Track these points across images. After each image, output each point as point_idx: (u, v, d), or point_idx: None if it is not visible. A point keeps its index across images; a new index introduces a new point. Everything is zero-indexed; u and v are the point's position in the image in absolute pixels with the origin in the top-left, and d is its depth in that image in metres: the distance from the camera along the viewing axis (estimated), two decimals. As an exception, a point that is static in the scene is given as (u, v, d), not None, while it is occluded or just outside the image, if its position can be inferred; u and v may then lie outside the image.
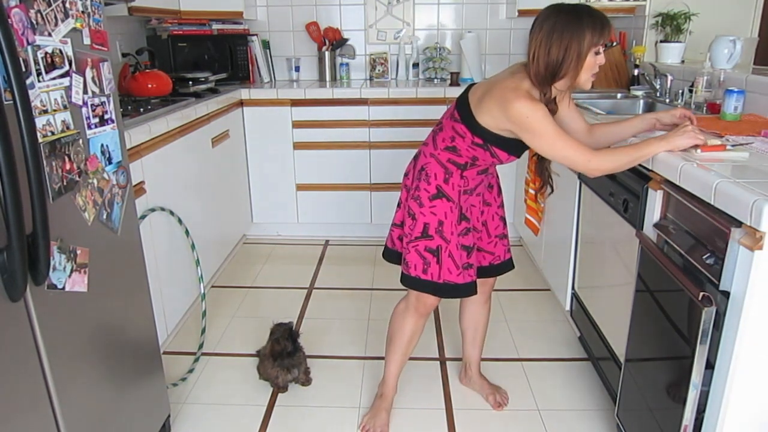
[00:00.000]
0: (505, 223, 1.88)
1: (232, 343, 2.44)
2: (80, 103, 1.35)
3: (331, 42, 3.62)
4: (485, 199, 1.81)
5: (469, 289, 1.74)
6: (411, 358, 2.18)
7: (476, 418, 1.97)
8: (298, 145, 3.35)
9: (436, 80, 3.62)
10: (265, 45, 3.69)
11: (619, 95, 2.89)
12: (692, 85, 2.36)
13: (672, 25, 2.83)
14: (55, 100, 1.25)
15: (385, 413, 1.93)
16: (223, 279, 3.06)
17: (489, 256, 1.86)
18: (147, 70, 2.71)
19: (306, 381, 2.14)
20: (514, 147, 1.63)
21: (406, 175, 1.79)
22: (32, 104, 1.14)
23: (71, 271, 1.30)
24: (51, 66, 1.24)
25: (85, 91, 1.36)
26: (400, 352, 1.90)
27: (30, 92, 1.13)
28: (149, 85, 2.63)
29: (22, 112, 1.06)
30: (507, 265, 1.91)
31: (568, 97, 1.69)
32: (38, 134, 1.17)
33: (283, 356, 2.04)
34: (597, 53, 1.54)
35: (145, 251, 1.71)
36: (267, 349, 2.08)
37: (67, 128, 1.29)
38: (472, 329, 2.04)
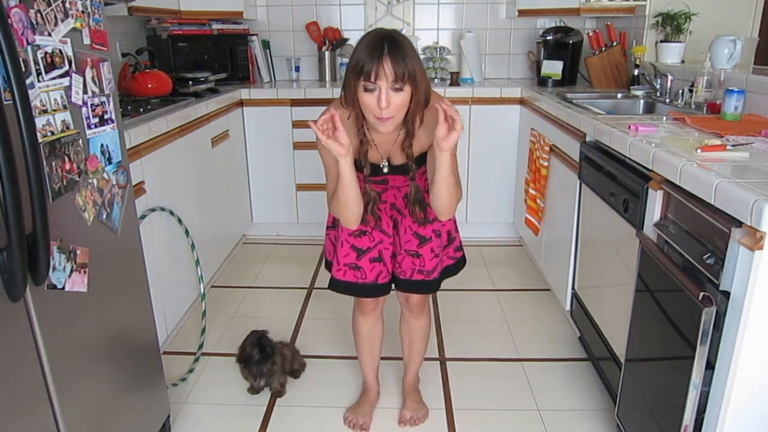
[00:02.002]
0: (421, 243, 1.68)
1: (232, 343, 2.43)
2: (80, 103, 1.35)
3: (331, 42, 3.62)
4: (397, 206, 1.70)
5: (349, 288, 1.74)
6: None
7: (476, 418, 1.97)
8: (298, 145, 3.34)
9: (436, 80, 3.62)
10: (265, 45, 3.69)
11: (619, 95, 2.89)
12: (692, 85, 2.36)
13: (672, 25, 2.83)
14: (55, 100, 1.25)
15: (368, 406, 1.98)
16: (223, 279, 3.06)
17: (398, 268, 1.73)
18: (147, 70, 2.71)
19: (279, 392, 2.08)
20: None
21: None
22: (32, 104, 1.14)
23: (71, 271, 1.30)
24: (51, 66, 1.24)
25: (84, 91, 1.36)
26: (361, 352, 1.96)
27: (30, 92, 1.12)
28: (149, 85, 2.63)
29: (22, 112, 1.06)
30: (413, 286, 1.74)
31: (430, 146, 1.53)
32: (38, 134, 1.17)
33: (250, 363, 2.01)
34: (366, 90, 1.38)
35: (145, 251, 1.71)
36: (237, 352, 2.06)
37: (67, 128, 1.29)
38: (406, 341, 1.96)
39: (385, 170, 1.60)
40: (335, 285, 1.76)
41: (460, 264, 1.85)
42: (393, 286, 1.79)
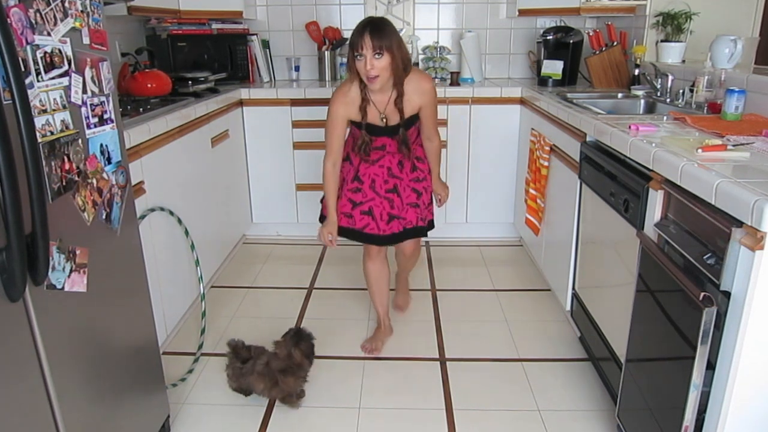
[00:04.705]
0: (418, 196, 2.25)
1: (231, 343, 2.43)
2: (79, 102, 1.34)
3: (331, 41, 3.62)
4: (393, 172, 2.21)
5: (347, 233, 2.26)
6: (411, 358, 2.22)
7: (476, 418, 1.97)
8: (298, 145, 3.34)
9: (436, 80, 3.62)
10: (265, 45, 3.69)
11: (619, 95, 2.89)
12: (693, 85, 2.36)
13: (673, 24, 2.83)
14: (55, 99, 1.25)
15: (381, 336, 2.43)
16: (223, 279, 3.06)
17: (402, 222, 2.24)
18: (146, 70, 2.71)
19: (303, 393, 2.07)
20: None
21: None
22: (31, 104, 1.13)
23: (70, 271, 1.30)
24: (50, 66, 1.24)
25: (84, 91, 1.36)
26: (372, 290, 2.43)
27: (29, 92, 1.12)
28: (149, 85, 2.63)
29: (22, 111, 1.06)
30: (419, 230, 2.29)
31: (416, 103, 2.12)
32: (37, 134, 1.16)
33: (303, 369, 1.98)
34: (356, 58, 1.97)
35: (145, 251, 1.71)
36: (296, 357, 1.96)
37: (67, 128, 1.29)
38: (402, 267, 2.62)
39: (383, 125, 2.13)
40: (341, 231, 2.26)
41: (430, 225, 2.37)
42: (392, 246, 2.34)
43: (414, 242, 2.37)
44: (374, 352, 2.35)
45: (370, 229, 2.22)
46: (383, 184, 2.20)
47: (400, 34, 3.67)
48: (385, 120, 2.12)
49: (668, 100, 2.58)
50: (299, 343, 1.99)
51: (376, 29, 1.94)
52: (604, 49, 3.16)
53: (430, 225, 2.34)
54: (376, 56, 1.94)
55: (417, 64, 3.69)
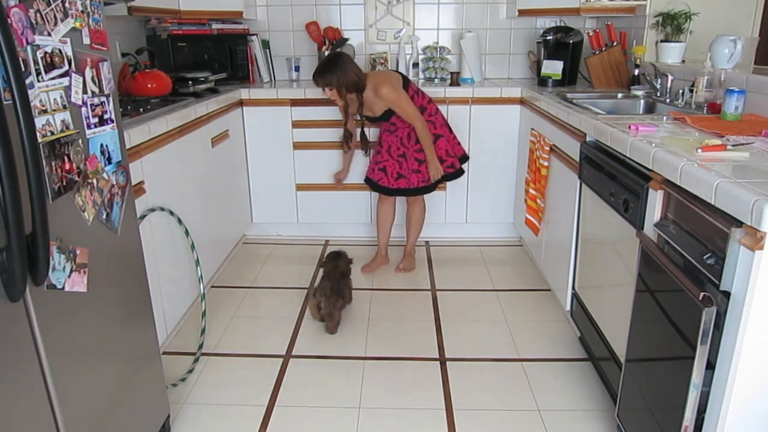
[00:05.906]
0: (420, 164, 2.92)
1: (232, 343, 2.43)
2: (80, 102, 1.35)
3: (331, 42, 3.62)
4: (403, 142, 2.91)
5: (369, 182, 3.05)
6: (411, 358, 2.24)
7: (476, 418, 1.97)
8: (298, 145, 3.35)
9: (436, 80, 3.62)
10: (265, 45, 3.69)
11: (619, 95, 2.89)
12: (693, 85, 2.36)
13: (672, 24, 2.83)
14: (55, 99, 1.25)
15: (377, 263, 3.17)
16: (223, 279, 3.06)
17: (408, 182, 2.95)
18: (147, 70, 2.71)
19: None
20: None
21: None
22: (32, 104, 1.13)
23: (71, 272, 1.30)
24: (50, 66, 1.24)
25: (84, 91, 1.36)
26: (377, 227, 3.18)
27: (29, 92, 1.12)
28: (149, 85, 2.63)
29: (22, 112, 1.06)
30: (419, 190, 2.99)
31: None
32: (38, 134, 1.17)
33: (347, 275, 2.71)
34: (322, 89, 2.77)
35: (145, 251, 1.71)
36: (342, 266, 2.65)
37: (67, 128, 1.29)
38: (408, 221, 3.17)
39: (357, 118, 2.96)
40: (365, 178, 3.10)
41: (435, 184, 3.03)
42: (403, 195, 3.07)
43: (416, 197, 3.09)
44: (365, 271, 3.12)
45: (382, 182, 2.98)
46: (396, 150, 2.92)
47: (401, 35, 3.72)
48: (359, 116, 2.90)
49: (668, 100, 2.58)
50: (340, 257, 2.67)
51: (321, 72, 2.65)
52: (604, 49, 3.16)
53: (434, 186, 3.00)
54: (328, 90, 2.70)
55: (417, 64, 3.69)
